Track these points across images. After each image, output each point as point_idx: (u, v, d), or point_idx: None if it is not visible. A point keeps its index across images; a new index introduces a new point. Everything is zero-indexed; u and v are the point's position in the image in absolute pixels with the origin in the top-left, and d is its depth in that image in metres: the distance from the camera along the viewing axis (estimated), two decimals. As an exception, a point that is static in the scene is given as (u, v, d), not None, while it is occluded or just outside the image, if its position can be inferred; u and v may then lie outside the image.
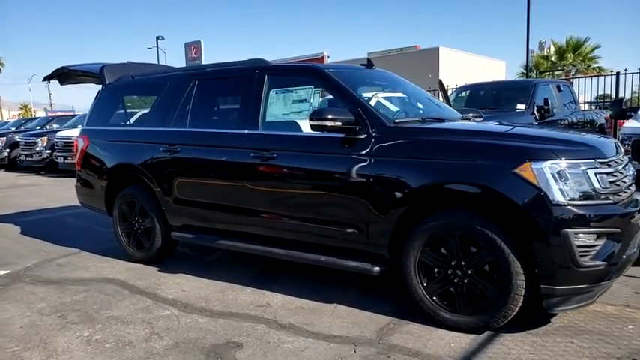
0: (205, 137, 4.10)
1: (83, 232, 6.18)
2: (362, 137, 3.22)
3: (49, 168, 14.21)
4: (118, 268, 4.58)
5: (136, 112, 5.11)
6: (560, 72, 23.24)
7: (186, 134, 4.23)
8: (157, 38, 36.69)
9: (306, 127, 3.69)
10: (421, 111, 3.88)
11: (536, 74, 23.84)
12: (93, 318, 3.40)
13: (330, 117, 3.16)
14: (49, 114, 39.21)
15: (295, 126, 3.68)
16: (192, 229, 4.28)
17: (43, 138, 14.53)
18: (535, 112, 7.04)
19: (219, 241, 4.02)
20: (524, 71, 27.94)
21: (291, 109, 3.66)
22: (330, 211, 3.39)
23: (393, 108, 3.56)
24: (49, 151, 14.22)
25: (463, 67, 25.79)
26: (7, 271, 4.58)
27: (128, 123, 5.02)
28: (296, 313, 3.37)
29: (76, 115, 19.14)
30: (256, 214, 3.78)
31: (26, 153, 14.72)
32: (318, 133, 3.38)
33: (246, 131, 3.81)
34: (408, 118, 3.47)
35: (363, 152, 3.18)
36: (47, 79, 5.58)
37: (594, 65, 23.27)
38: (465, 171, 2.81)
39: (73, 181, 11.94)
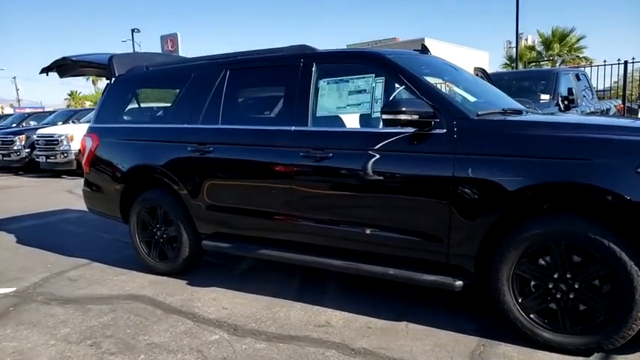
0: (243, 135, 3.65)
1: (86, 239, 5.64)
2: (440, 132, 2.83)
3: (28, 168, 13.43)
4: (139, 281, 4.10)
5: (151, 107, 4.60)
6: (546, 62, 23.27)
7: (220, 132, 3.77)
8: (133, 31, 35.44)
9: (356, 121, 3.30)
10: (493, 101, 3.50)
11: (518, 65, 23.82)
12: (132, 346, 2.94)
13: (405, 109, 2.77)
14: (17, 110, 37.66)
15: (353, 121, 3.27)
16: (225, 237, 3.84)
17: (20, 136, 13.71)
18: (560, 102, 6.77)
19: (261, 251, 3.59)
20: (507, 62, 27.93)
21: (348, 102, 3.24)
22: (401, 218, 2.99)
23: (471, 98, 3.17)
24: (27, 150, 13.43)
25: (449, 59, 25.63)
26: (14, 289, 4.05)
27: (145, 119, 4.51)
28: (365, 334, 2.97)
29: (54, 111, 18.24)
30: (306, 220, 3.36)
31: (3, 152, 13.85)
32: (385, 129, 2.98)
33: (293, 128, 3.37)
34: (491, 110, 3.09)
35: (443, 149, 2.79)
36: (45, 71, 5.02)
37: (581, 55, 23.36)
38: (578, 170, 2.45)
39: (57, 182, 11.47)
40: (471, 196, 2.71)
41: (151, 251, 4.25)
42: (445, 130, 2.82)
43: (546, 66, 21.14)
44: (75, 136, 12.01)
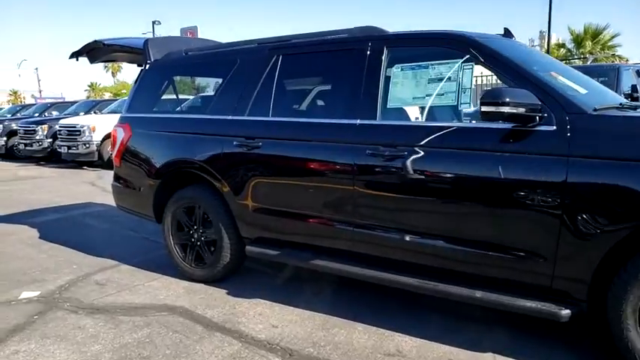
0: (297, 129, 3.21)
1: (112, 237, 5.26)
2: (548, 129, 2.35)
3: (50, 158, 13.20)
4: (173, 289, 3.69)
5: (190, 96, 4.17)
6: (577, 60, 22.46)
7: (270, 125, 3.33)
8: (153, 23, 35.27)
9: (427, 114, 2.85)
10: (604, 95, 3.00)
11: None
12: (174, 373, 2.53)
13: (509, 101, 2.29)
14: (38, 101, 37.77)
15: (433, 113, 2.81)
16: (273, 243, 3.40)
17: (43, 126, 13.46)
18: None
19: (315, 262, 3.14)
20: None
21: (427, 91, 2.77)
22: (493, 230, 2.52)
23: (581, 90, 2.68)
24: (49, 140, 13.18)
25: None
26: (38, 292, 3.67)
27: (183, 109, 4.09)
28: (447, 367, 2.52)
29: (76, 102, 18.02)
30: (371, 228, 2.91)
31: (25, 142, 13.62)
32: (479, 124, 2.53)
33: (358, 121, 2.92)
34: (607, 104, 2.60)
35: (553, 150, 2.31)
36: (75, 55, 4.63)
37: (615, 54, 22.51)
38: None
39: (78, 173, 11.14)
40: (589, 207, 2.23)
41: (186, 255, 3.83)
42: (555, 127, 2.33)
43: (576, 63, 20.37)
44: (97, 126, 11.74)
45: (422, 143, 2.69)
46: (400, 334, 2.87)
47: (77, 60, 4.69)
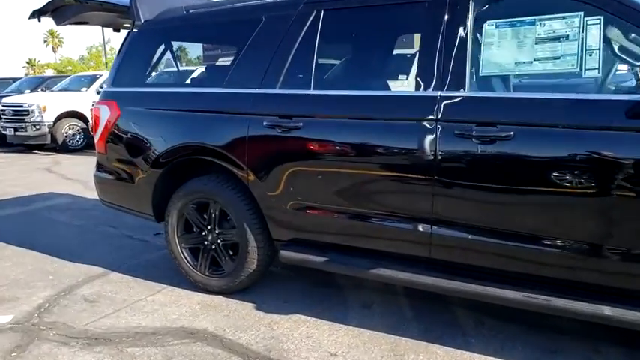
0: (351, 105, 2.55)
1: (89, 236, 4.44)
2: None
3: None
4: (185, 304, 2.99)
5: (196, 65, 3.40)
6: None
7: (317, 100, 2.65)
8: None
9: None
10: None
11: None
12: None
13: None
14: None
15: (544, 82, 2.22)
16: (315, 246, 2.76)
17: (-19, 105, 12.02)
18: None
19: (379, 271, 2.52)
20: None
21: (536, 55, 2.17)
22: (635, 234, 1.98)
23: None
24: (-10, 121, 11.78)
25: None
26: (10, 317, 2.88)
27: (186, 81, 3.32)
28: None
29: (19, 78, 16.39)
30: (457, 228, 2.32)
31: (-39, 123, 12.13)
32: (620, 96, 1.95)
33: (438, 94, 2.30)
34: None
35: None
36: (37, 14, 3.73)
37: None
38: None
39: (29, 159, 9.96)
40: None
41: (199, 261, 3.12)
42: None
43: None
44: (48, 106, 10.54)
45: (537, 121, 2.10)
46: (494, 358, 2.31)
47: (39, 21, 3.79)
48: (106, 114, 3.34)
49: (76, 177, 7.30)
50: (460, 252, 2.35)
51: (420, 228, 2.39)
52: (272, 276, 3.33)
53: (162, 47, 3.42)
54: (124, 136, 3.28)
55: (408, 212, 2.42)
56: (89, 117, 10.24)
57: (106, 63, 34.92)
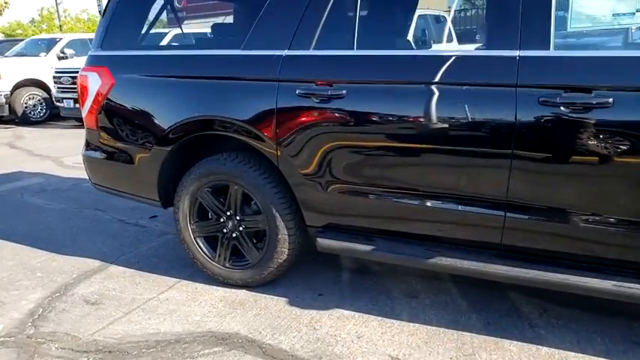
0: (409, 67, 2.17)
1: (75, 222, 3.95)
2: None
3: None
4: (206, 302, 2.62)
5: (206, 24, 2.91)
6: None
7: (360, 62, 2.24)
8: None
9: None
10: None
11: None
12: None
13: None
14: None
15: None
16: (352, 232, 2.41)
17: None
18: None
19: (440, 260, 2.20)
20: None
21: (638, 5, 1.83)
22: None
23: None
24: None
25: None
26: (-1, 329, 2.44)
27: (194, 42, 2.83)
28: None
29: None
30: (534, 211, 2.01)
31: None
32: None
33: (517, 53, 1.94)
34: None
35: None
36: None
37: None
38: None
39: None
40: None
41: (217, 252, 2.73)
42: None
43: None
44: (3, 73, 9.61)
45: (644, 85, 1.78)
46: (575, 353, 2.06)
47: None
48: (95, 83, 2.83)
49: (43, 153, 6.66)
50: (540, 238, 2.05)
51: (492, 210, 2.07)
52: (295, 264, 2.97)
53: (160, 3, 2.90)
54: (121, 108, 2.80)
55: (477, 193, 2.09)
56: (51, 85, 9.41)
57: (60, 26, 32.71)
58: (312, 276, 2.85)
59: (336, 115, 2.24)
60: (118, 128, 2.83)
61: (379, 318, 2.40)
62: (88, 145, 3.04)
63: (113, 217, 3.97)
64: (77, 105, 7.99)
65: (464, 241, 2.20)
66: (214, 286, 2.76)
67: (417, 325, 2.33)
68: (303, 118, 2.32)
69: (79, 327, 2.42)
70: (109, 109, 2.83)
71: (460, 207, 2.14)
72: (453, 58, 2.07)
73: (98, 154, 2.99)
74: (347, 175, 2.30)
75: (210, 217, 2.74)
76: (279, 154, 2.40)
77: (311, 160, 2.33)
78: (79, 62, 7.10)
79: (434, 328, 2.30)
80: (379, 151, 2.21)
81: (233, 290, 2.71)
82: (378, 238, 2.38)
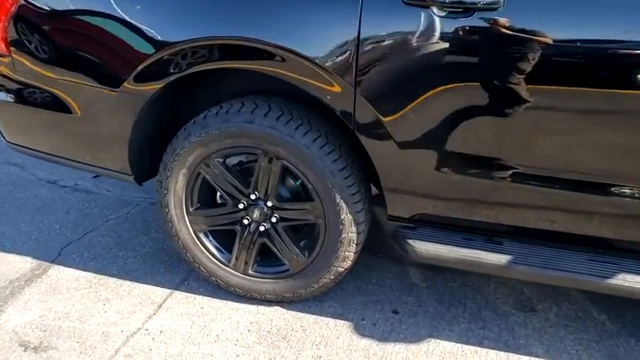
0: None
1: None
2: None
3: None
4: (226, 334, 1.68)
5: None
6: None
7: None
8: None
9: None
10: None
11: None
12: None
13: None
14: None
15: None
16: (466, 231, 1.55)
17: None
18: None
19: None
20: None
21: None
22: None
23: None
24: None
25: None
26: None
27: None
28: None
29: None
30: None
31: None
32: None
33: None
34: None
35: None
36: None
37: None
38: None
39: None
40: None
41: (233, 254, 1.75)
42: None
43: None
44: None
45: None
46: None
47: None
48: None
49: None
50: None
51: None
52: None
53: None
54: (56, 20, 1.61)
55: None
56: None
57: None
58: (362, 274, 1.97)
59: (481, 39, 1.28)
60: (55, 55, 1.65)
61: (501, 354, 1.61)
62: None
63: (38, 177, 2.76)
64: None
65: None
66: (228, 301, 1.81)
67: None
68: (413, 44, 1.32)
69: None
70: (31, 23, 1.63)
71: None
72: None
73: (17, 98, 1.80)
74: (484, 146, 1.38)
75: (221, 201, 1.73)
76: (357, 106, 1.41)
77: (420, 118, 1.38)
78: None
79: (588, 366, 1.56)
80: (557, 113, 1.30)
81: (260, 309, 1.79)
82: (505, 240, 1.53)
